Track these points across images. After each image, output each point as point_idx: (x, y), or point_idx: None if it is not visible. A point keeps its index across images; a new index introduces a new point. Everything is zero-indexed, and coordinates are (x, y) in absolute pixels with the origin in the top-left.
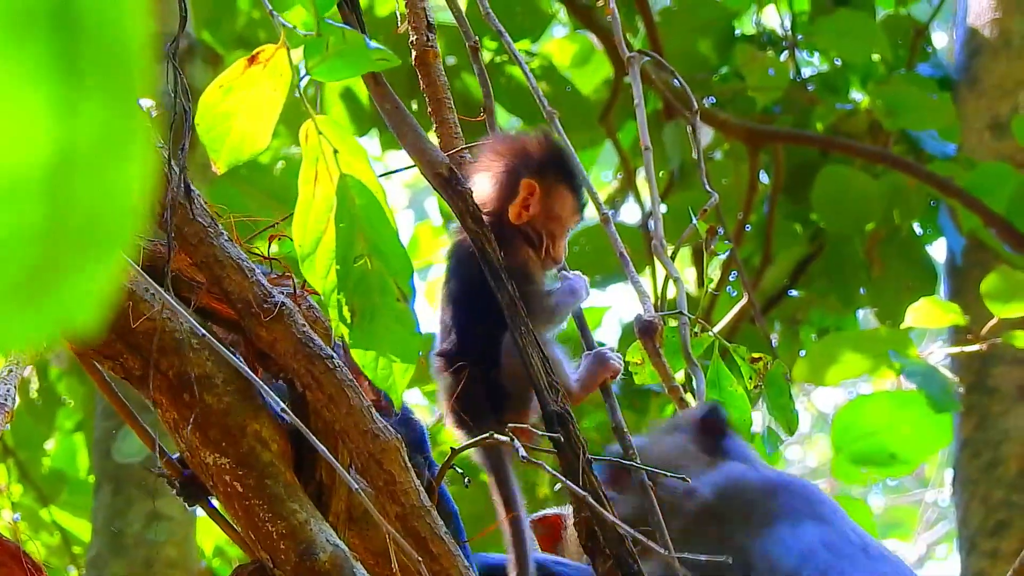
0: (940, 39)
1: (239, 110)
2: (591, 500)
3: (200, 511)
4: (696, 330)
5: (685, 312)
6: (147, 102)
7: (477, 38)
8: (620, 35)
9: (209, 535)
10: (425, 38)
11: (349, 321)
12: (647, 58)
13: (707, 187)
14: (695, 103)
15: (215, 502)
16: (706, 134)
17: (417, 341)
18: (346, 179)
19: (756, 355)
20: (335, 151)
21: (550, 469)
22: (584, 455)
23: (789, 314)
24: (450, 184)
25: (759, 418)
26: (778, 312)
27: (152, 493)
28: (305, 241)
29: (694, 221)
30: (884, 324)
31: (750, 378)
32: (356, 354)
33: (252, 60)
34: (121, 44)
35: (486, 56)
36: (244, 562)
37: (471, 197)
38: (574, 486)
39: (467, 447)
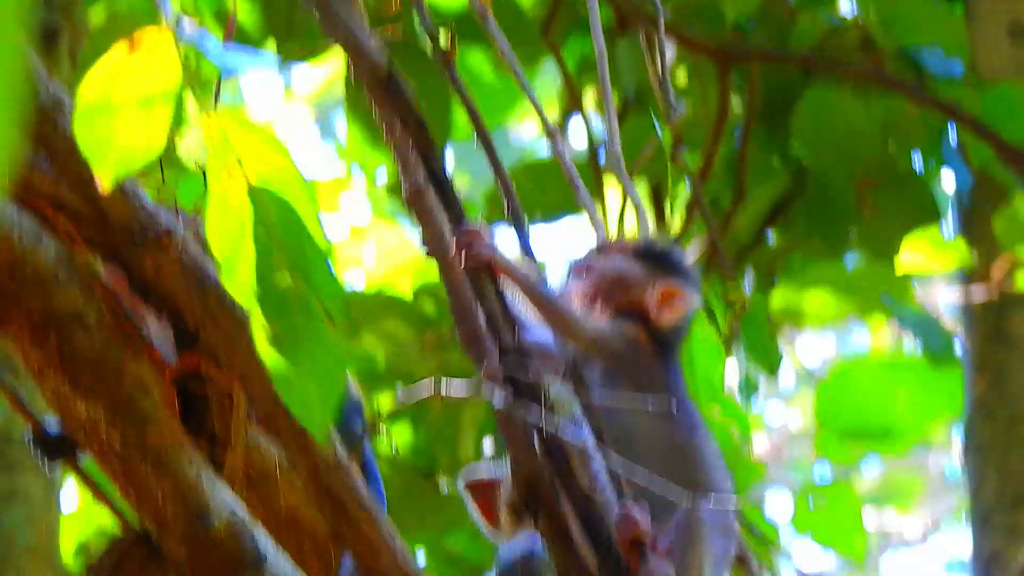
0: None
1: (123, 108)
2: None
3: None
4: None
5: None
6: None
7: None
8: None
9: (76, 525)
10: None
11: (273, 345)
12: None
13: (670, 98)
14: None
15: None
16: (667, 52)
17: (342, 373)
18: (258, 193)
19: (732, 296)
20: (243, 160)
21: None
22: (546, 398)
23: (765, 262)
24: (390, 89)
25: (735, 366)
26: (752, 260)
27: (8, 467)
28: (223, 244)
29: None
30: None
31: (724, 318)
32: (277, 382)
33: (132, 46)
34: None
35: None
36: (121, 535)
37: (414, 105)
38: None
39: (409, 402)
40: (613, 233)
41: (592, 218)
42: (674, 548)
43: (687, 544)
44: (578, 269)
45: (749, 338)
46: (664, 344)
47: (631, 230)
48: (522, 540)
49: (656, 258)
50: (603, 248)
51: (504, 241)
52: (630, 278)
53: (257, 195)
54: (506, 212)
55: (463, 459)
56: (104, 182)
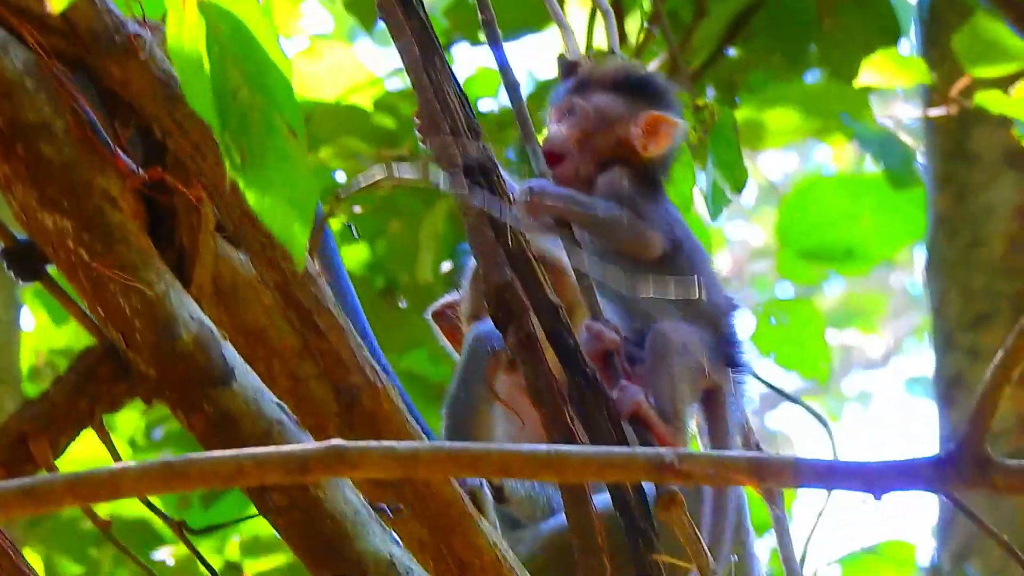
0: None
1: None
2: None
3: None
4: None
5: (617, 51)
6: None
7: None
8: None
9: (37, 342)
10: None
11: (239, 164)
12: None
13: None
14: None
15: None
16: None
17: (313, 185)
18: (208, 9)
19: (700, 102)
20: None
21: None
22: (509, 206)
23: (725, 77)
24: None
25: (702, 178)
26: (712, 75)
27: None
28: (184, 62)
29: None
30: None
31: (694, 129)
32: (254, 203)
33: None
34: None
35: None
36: (88, 350)
37: None
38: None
39: (358, 189)
40: (581, 46)
41: (561, 27)
42: (646, 365)
43: (657, 358)
44: (559, 110)
45: (716, 152)
46: (652, 178)
47: (599, 44)
48: None
49: (636, 88)
50: (580, 82)
51: (478, 57)
52: (613, 114)
53: (207, 11)
54: (481, 23)
55: (422, 277)
56: (55, 4)
